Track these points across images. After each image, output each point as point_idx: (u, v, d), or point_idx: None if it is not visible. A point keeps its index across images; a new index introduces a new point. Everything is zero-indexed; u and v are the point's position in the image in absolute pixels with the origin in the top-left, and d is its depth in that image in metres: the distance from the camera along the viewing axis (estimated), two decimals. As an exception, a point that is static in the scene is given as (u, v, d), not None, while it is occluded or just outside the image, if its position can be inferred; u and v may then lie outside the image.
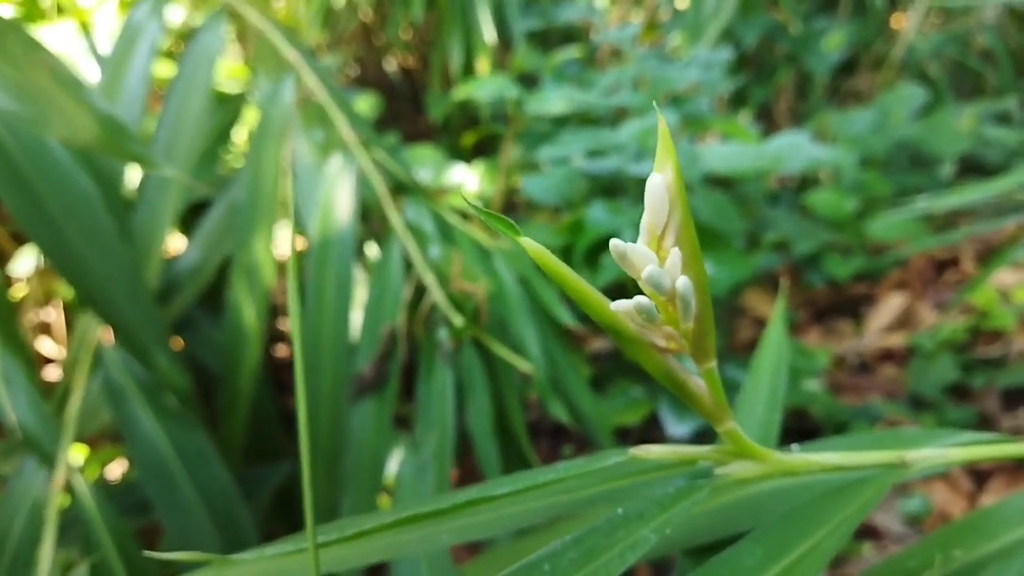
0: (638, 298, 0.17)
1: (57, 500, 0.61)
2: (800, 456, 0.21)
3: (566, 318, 0.69)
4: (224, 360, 0.77)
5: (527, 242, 0.18)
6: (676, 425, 1.02)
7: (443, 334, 0.64)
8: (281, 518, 0.81)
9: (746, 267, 1.07)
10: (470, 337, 0.64)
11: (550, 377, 0.66)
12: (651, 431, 1.11)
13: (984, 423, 1.29)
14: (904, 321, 1.60)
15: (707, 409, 0.19)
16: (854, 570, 1.07)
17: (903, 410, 1.33)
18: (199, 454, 0.71)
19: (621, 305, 0.17)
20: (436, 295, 0.66)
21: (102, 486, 0.72)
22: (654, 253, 0.17)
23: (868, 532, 1.13)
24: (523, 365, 0.63)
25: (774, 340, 0.33)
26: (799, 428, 1.29)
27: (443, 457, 0.60)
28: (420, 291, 0.68)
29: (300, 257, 0.73)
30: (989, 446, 0.22)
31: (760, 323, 1.71)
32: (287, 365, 1.06)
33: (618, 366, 1.23)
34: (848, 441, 0.24)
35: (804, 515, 0.20)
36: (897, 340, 1.54)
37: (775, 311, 0.34)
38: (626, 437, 1.20)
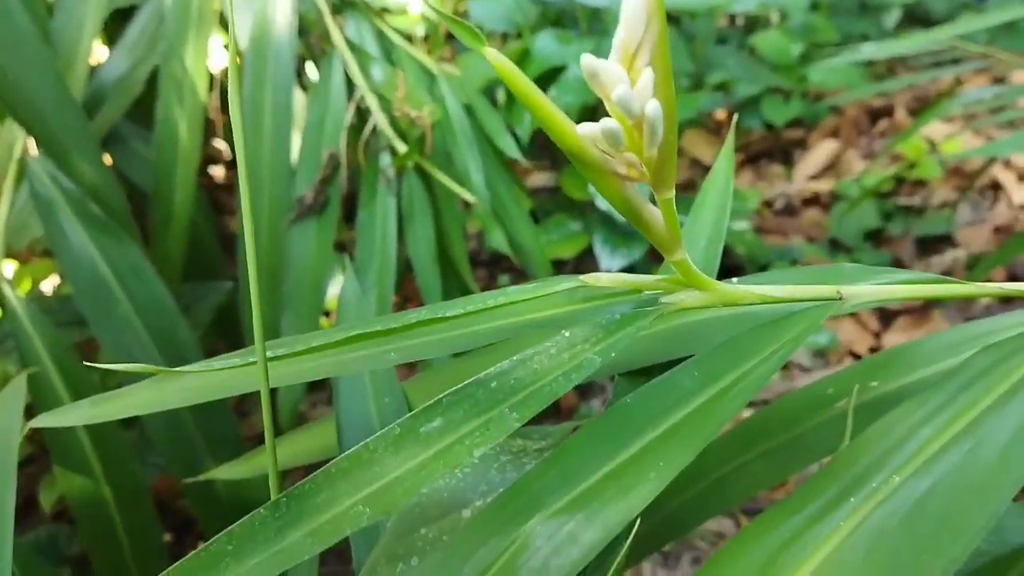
0: (605, 121, 0.17)
1: (-10, 311, 0.60)
2: (743, 288, 0.22)
3: (511, 149, 0.68)
4: (156, 177, 0.74)
5: (491, 53, 0.18)
6: (610, 259, 1.05)
7: (385, 160, 0.63)
8: (223, 336, 0.82)
9: (690, 106, 1.06)
10: (413, 164, 0.63)
11: (492, 207, 0.66)
12: (585, 264, 1.14)
13: (896, 266, 1.36)
14: (833, 168, 1.64)
15: (661, 238, 0.20)
16: (763, 395, 1.15)
17: (822, 253, 1.39)
18: (134, 269, 0.70)
19: (587, 128, 0.17)
20: (379, 119, 0.64)
21: (35, 300, 0.71)
22: (626, 73, 0.17)
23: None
24: (466, 194, 0.63)
25: (720, 176, 0.34)
26: (724, 265, 1.34)
27: (384, 283, 0.61)
28: (362, 115, 0.66)
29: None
30: (922, 285, 0.24)
31: (697, 164, 1.73)
32: (223, 187, 1.03)
33: (557, 201, 1.24)
34: (789, 275, 0.25)
35: (742, 344, 0.21)
36: (824, 186, 1.59)
37: (724, 148, 0.34)
38: (561, 269, 1.23)
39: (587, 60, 0.16)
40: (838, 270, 0.24)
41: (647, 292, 0.21)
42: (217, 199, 0.96)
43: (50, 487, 0.82)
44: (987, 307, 1.29)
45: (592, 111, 1.11)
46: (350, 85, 0.67)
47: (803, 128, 1.73)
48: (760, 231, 1.47)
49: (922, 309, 1.26)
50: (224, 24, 0.75)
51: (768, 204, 1.58)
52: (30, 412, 0.59)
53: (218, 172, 1.16)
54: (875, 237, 1.41)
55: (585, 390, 1.05)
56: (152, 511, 0.64)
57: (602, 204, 1.05)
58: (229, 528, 0.21)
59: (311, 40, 0.72)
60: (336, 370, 0.26)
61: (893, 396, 0.28)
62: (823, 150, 1.67)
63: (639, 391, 0.22)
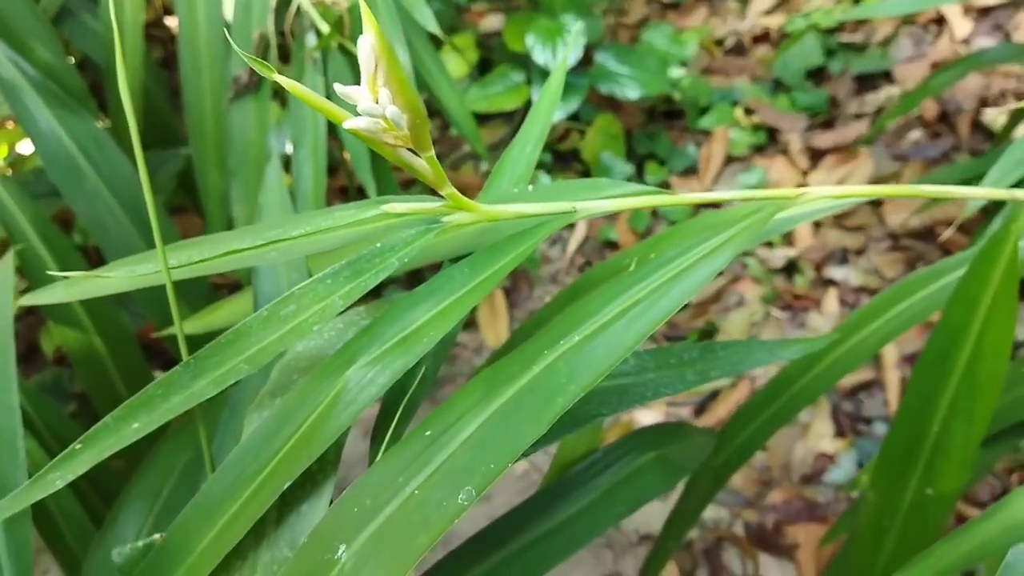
0: (361, 119, 0.26)
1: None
2: (501, 208, 0.32)
3: (429, 22, 0.74)
4: (106, 49, 0.80)
5: (283, 80, 0.26)
6: (548, 111, 1.12)
7: (311, 40, 0.70)
8: (187, 196, 0.91)
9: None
10: (337, 44, 0.70)
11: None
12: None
13: (833, 105, 1.43)
14: (787, 2, 1.66)
15: (431, 180, 0.29)
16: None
17: (764, 92, 1.45)
18: (96, 143, 0.77)
19: (353, 123, 0.26)
20: (302, 1, 0.70)
21: (11, 176, 0.79)
22: (370, 91, 0.25)
23: (710, 203, 1.30)
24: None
25: (552, 87, 0.42)
26: (666, 111, 1.41)
27: (318, 156, 0.69)
28: (288, -3, 0.71)
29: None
30: (640, 197, 0.33)
31: (654, 1, 1.75)
32: (170, 61, 1.08)
33: (504, 50, 1.28)
34: (538, 193, 0.34)
35: (498, 247, 0.31)
36: (775, 21, 1.61)
37: (555, 74, 0.42)
38: (508, 120, 1.30)
39: (340, 89, 0.25)
40: (580, 185, 0.33)
41: (433, 214, 0.31)
42: (172, 55, 1.01)
43: (49, 336, 0.93)
44: (916, 143, 1.37)
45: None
46: (275, -34, 0.72)
47: (759, -40, 1.72)
48: (707, 72, 1.52)
49: (850, 146, 1.35)
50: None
51: (719, 43, 1.62)
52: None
53: (173, 23, 1.19)
54: (816, 76, 1.47)
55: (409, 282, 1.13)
56: (139, 354, 0.76)
57: (540, 58, 1.10)
58: (158, 379, 0.31)
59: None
60: (254, 262, 0.36)
61: (666, 261, 0.37)
62: (778, -17, 1.68)
63: (435, 277, 0.32)
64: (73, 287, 0.40)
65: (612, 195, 0.33)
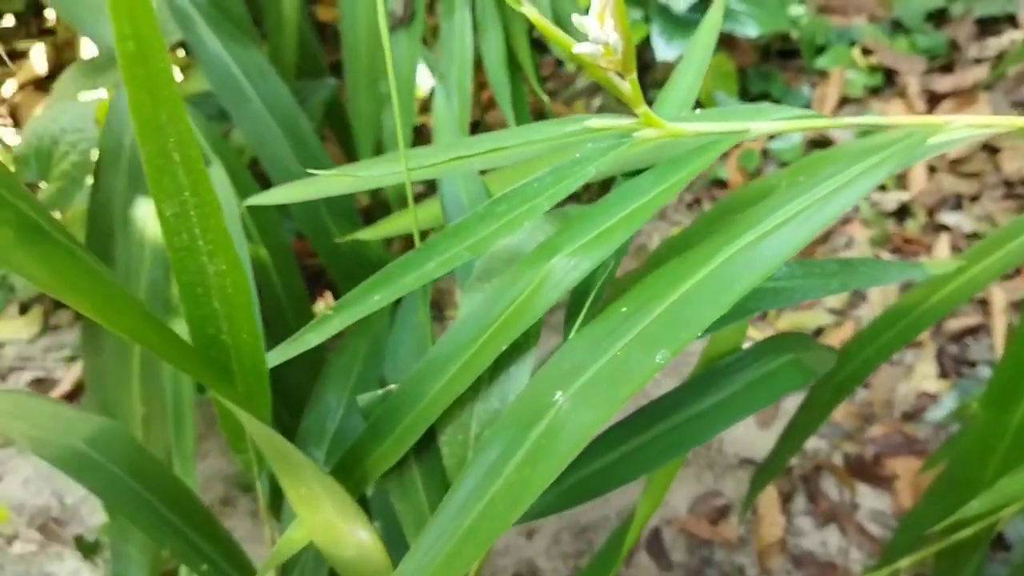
0: (588, 44, 0.31)
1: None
2: (684, 124, 0.37)
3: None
4: (267, -12, 0.87)
5: (530, 13, 0.31)
6: (666, 49, 1.15)
7: (462, -22, 0.75)
8: (331, 126, 0.98)
9: None
10: (486, -19, 0.75)
11: (555, 18, 0.78)
12: (644, 53, 1.22)
13: (953, 48, 1.40)
14: (911, -61, 1.61)
15: (629, 99, 0.34)
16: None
17: (882, 33, 1.43)
18: (259, 70, 0.85)
19: (581, 48, 0.31)
20: (455, -60, 0.75)
21: (187, 98, 0.87)
22: (598, 21, 0.31)
23: (823, 143, 1.32)
24: (530, 9, 0.74)
25: (710, 26, 0.46)
26: (781, 50, 1.41)
27: (463, 84, 0.75)
28: (441, -66, 0.77)
29: None
30: (803, 120, 0.38)
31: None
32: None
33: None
34: (708, 115, 0.39)
35: (679, 159, 0.36)
36: (898, -40, 1.57)
37: (712, 11, 0.46)
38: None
39: (577, 19, 0.30)
40: (748, 110, 0.38)
41: (626, 130, 0.36)
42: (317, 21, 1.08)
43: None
44: (1038, 87, 1.33)
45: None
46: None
47: None
48: (824, 10, 1.50)
49: (969, 91, 1.32)
50: None
51: (836, -21, 1.58)
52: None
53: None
54: (937, 18, 1.44)
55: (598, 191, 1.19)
56: (295, 265, 0.84)
57: (661, -4, 1.13)
58: (396, 260, 0.38)
59: None
60: (442, 174, 0.42)
61: (804, 186, 0.42)
62: (902, -81, 1.63)
63: (623, 185, 0.37)
64: (293, 190, 0.47)
65: (779, 118, 0.38)
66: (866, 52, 1.40)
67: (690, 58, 0.45)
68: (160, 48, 0.24)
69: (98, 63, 0.92)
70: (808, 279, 0.42)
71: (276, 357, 0.36)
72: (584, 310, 0.37)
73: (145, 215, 0.76)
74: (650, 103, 0.40)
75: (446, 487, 0.38)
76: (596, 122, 0.36)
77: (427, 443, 0.39)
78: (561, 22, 0.82)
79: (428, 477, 0.39)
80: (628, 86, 0.34)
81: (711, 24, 0.46)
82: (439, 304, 1.16)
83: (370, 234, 0.58)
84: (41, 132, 0.81)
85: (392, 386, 0.39)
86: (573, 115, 0.39)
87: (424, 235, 0.45)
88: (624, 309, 0.33)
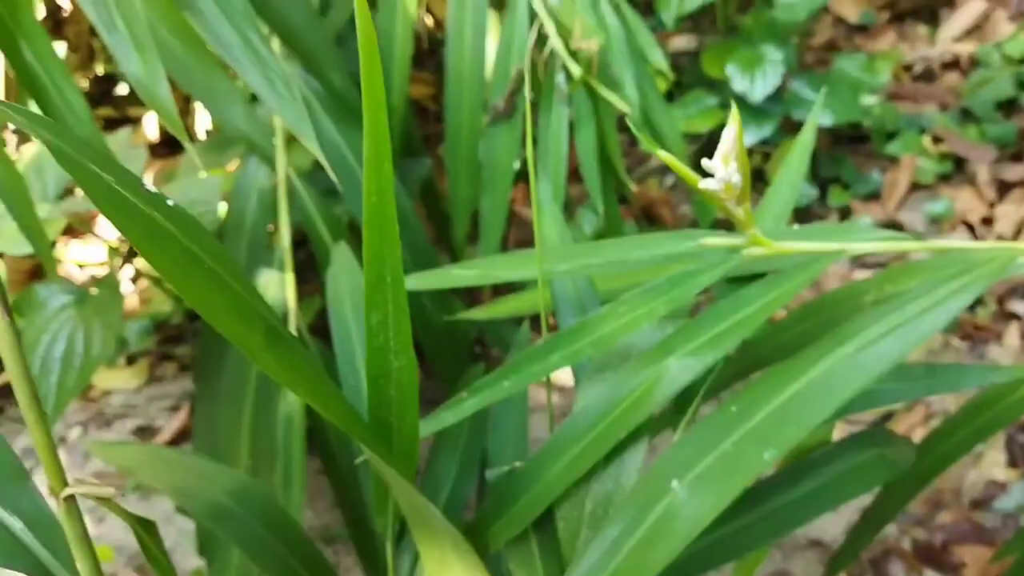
0: (712, 180, 0.36)
1: (284, 188, 0.85)
2: (788, 243, 0.41)
3: (660, 64, 0.85)
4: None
5: (666, 156, 0.37)
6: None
7: (560, 78, 0.82)
8: (424, 202, 1.05)
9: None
10: (583, 82, 0.81)
11: (642, 114, 0.84)
12: (718, 138, 1.27)
13: (1022, 138, 1.43)
14: (979, 29, 1.65)
15: (743, 223, 0.39)
16: (876, 259, 1.30)
17: (952, 121, 1.46)
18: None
19: (706, 184, 0.37)
20: (555, 43, 0.82)
21: (300, 175, 0.95)
22: (723, 163, 0.36)
23: (893, 227, 1.34)
24: (623, 106, 0.81)
25: (804, 146, 0.51)
26: (851, 135, 1.45)
27: (558, 175, 0.81)
28: (542, 37, 0.84)
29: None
30: (897, 242, 0.42)
31: (840, 23, 1.78)
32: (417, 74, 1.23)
33: (696, 73, 1.37)
34: (804, 232, 0.44)
35: (784, 275, 0.41)
36: (966, 48, 1.61)
37: (802, 137, 0.52)
38: (695, 141, 1.38)
39: (707, 163, 0.36)
40: (840, 229, 0.43)
41: (736, 247, 0.41)
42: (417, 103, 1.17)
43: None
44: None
45: (739, 6, 1.22)
46: (532, 12, 0.84)
47: (954, -13, 1.72)
48: (894, 97, 1.54)
49: (1040, 181, 1.34)
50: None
51: (907, 68, 1.63)
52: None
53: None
54: (1007, 108, 1.46)
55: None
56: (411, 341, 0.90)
57: (738, 86, 1.18)
58: (521, 352, 0.43)
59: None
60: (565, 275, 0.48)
61: (894, 298, 0.46)
62: (970, 10, 1.67)
63: (732, 294, 0.42)
64: (427, 279, 0.52)
65: (873, 239, 0.42)
66: (936, 140, 1.44)
67: (784, 174, 0.50)
68: (391, 202, 0.30)
69: (220, 141, 1.01)
70: (896, 383, 0.46)
71: (423, 430, 0.42)
72: (694, 406, 0.42)
73: (266, 283, 0.83)
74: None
75: (560, 557, 0.43)
76: (711, 240, 0.41)
77: (544, 516, 0.44)
78: (647, 114, 0.89)
79: (544, 547, 0.43)
80: (742, 212, 0.39)
81: (804, 143, 0.51)
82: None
83: (480, 314, 0.63)
84: (170, 203, 0.90)
85: (517, 463, 0.43)
86: (685, 231, 0.44)
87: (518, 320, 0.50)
88: (734, 408, 0.38)
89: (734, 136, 0.35)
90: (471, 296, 0.92)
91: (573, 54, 0.81)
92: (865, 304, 0.48)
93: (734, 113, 0.35)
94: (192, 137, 1.26)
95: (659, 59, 0.85)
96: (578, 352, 0.42)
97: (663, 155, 0.37)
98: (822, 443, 0.49)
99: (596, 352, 0.41)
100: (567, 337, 0.42)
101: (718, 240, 0.41)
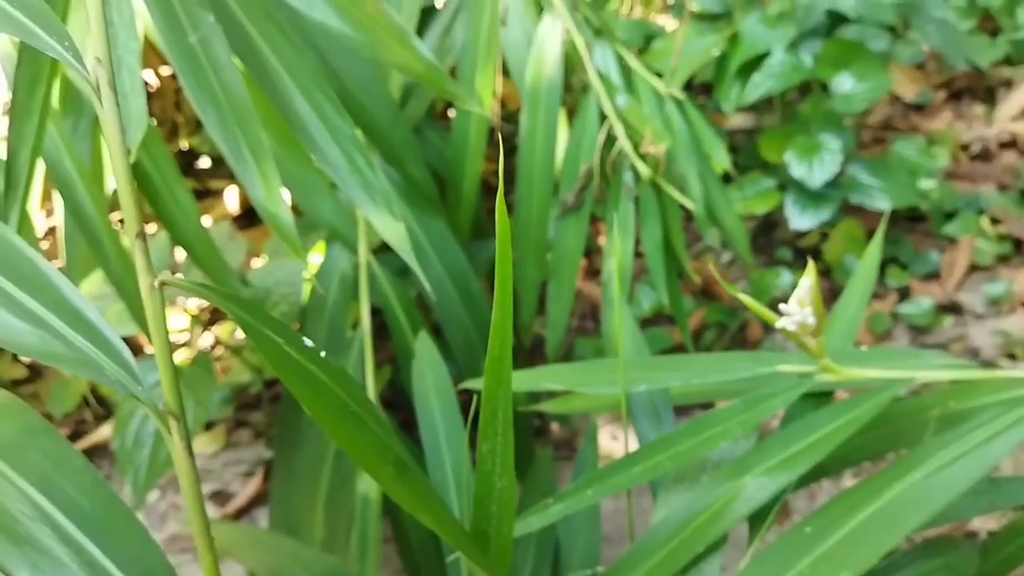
0: (788, 320, 0.40)
1: (366, 273, 0.90)
2: (856, 371, 0.44)
3: (723, 162, 0.89)
4: (451, 167, 1.01)
5: (748, 300, 0.41)
6: (799, 218, 1.23)
7: (628, 177, 0.86)
8: (490, 280, 1.10)
9: (882, 84, 1.19)
10: (651, 182, 0.86)
11: (705, 211, 0.88)
12: (776, 219, 1.31)
13: (1084, 219, 1.42)
14: (1038, 110, 1.66)
15: (814, 353, 0.43)
16: (935, 339, 1.30)
17: (1010, 202, 1.47)
18: (441, 237, 0.98)
19: (783, 322, 0.40)
20: (623, 143, 0.87)
21: (378, 258, 1.01)
22: (799, 306, 0.40)
23: (951, 308, 1.35)
24: (687, 203, 0.85)
25: (868, 266, 0.55)
26: (910, 216, 1.47)
27: (624, 267, 0.85)
28: (610, 137, 0.89)
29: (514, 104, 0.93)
30: (965, 371, 0.45)
31: (897, 101, 1.80)
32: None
33: (753, 155, 1.41)
34: (873, 355, 0.47)
35: (854, 402, 0.44)
36: (1023, 128, 1.62)
37: (868, 256, 0.55)
38: (752, 223, 1.41)
39: (784, 307, 0.39)
40: (909, 354, 0.46)
41: (808, 373, 0.44)
42: (488, 184, 1.23)
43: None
44: None
45: (798, 89, 1.27)
46: (601, 113, 0.89)
47: (1011, 67, 1.74)
48: (951, 176, 1.55)
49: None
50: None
51: (964, 147, 1.64)
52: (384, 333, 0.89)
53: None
54: (1067, 188, 1.47)
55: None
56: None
57: (796, 171, 1.22)
58: (603, 467, 0.46)
59: (568, 74, 0.95)
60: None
61: (957, 415, 0.49)
62: (1029, 91, 1.69)
63: (806, 417, 0.45)
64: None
65: (940, 366, 0.45)
66: (994, 220, 1.44)
67: (850, 295, 0.53)
68: (508, 360, 0.34)
69: (304, 225, 1.08)
70: (960, 499, 0.48)
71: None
72: (768, 523, 0.45)
73: (344, 362, 0.88)
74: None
75: (639, 659, 0.45)
76: (786, 367, 0.44)
77: (624, 620, 0.47)
78: (711, 206, 0.92)
79: (624, 651, 0.46)
80: (815, 344, 0.42)
81: (867, 269, 0.54)
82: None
83: (553, 407, 0.67)
84: (258, 283, 0.96)
85: (600, 568, 0.46)
86: (762, 353, 0.47)
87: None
88: (808, 529, 0.41)
89: (809, 286, 0.39)
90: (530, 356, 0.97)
91: (641, 155, 0.86)
92: (930, 418, 0.50)
93: (810, 268, 0.39)
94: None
95: (723, 157, 0.89)
96: (658, 466, 0.45)
97: (745, 299, 0.40)
98: (890, 553, 0.51)
99: (675, 466, 0.45)
100: (648, 452, 0.46)
101: (792, 367, 0.44)
